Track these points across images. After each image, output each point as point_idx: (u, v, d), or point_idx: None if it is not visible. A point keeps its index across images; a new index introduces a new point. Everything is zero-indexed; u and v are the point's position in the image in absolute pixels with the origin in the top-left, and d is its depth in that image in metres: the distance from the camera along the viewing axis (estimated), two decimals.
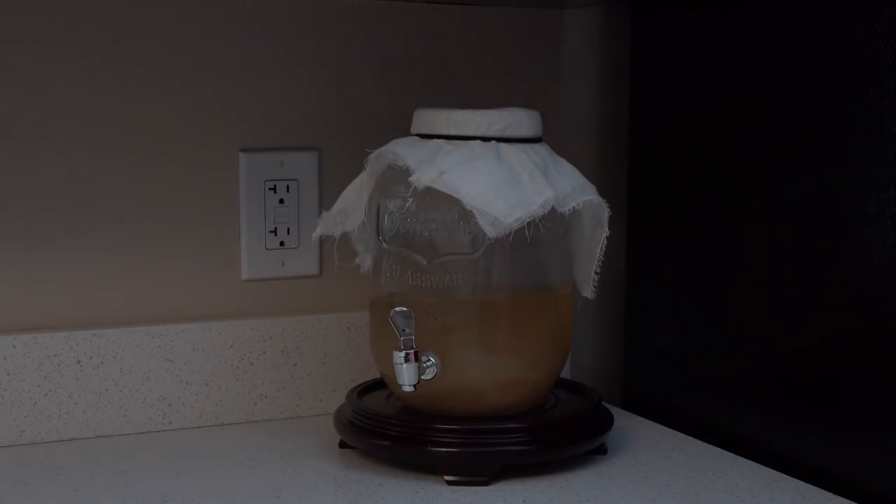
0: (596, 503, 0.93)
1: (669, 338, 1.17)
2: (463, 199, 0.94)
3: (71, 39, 1.08)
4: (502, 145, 0.99)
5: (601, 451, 1.03)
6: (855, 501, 0.93)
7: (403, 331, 0.96)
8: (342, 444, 1.05)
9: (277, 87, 1.17)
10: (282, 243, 1.18)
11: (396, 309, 0.97)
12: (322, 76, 1.19)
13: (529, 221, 0.94)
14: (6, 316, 1.08)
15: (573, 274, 1.05)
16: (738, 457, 1.04)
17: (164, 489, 0.95)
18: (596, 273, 1.03)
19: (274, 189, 1.17)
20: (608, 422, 1.04)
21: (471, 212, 0.94)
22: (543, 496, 0.94)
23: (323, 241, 1.12)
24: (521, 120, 1.00)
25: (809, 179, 0.99)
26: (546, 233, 0.98)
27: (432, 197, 0.98)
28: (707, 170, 1.11)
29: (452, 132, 1.00)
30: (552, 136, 1.09)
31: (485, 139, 0.99)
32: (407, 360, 0.96)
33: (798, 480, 0.98)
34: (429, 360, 0.98)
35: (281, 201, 1.17)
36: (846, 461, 0.97)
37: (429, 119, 1.01)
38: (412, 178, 0.96)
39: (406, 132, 1.04)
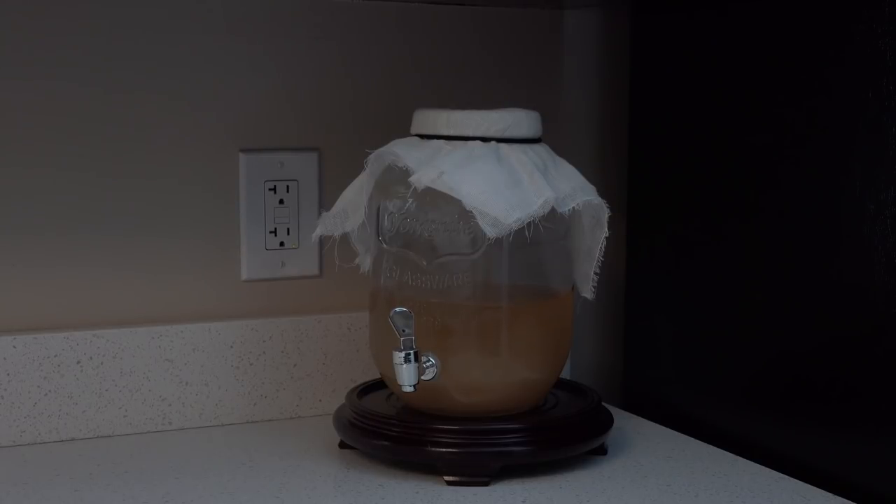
0: (596, 503, 0.93)
1: (669, 338, 1.17)
2: (463, 199, 0.94)
3: (72, 44, 1.08)
4: (502, 146, 0.99)
5: (601, 451, 1.03)
6: (855, 501, 0.93)
7: (403, 331, 0.96)
8: (342, 445, 1.04)
9: (277, 87, 1.17)
10: (282, 244, 1.18)
11: (396, 309, 0.97)
12: (322, 76, 1.19)
13: (529, 222, 0.94)
14: (6, 316, 1.08)
15: (573, 274, 1.05)
16: (738, 457, 1.04)
17: (164, 489, 0.95)
18: (596, 273, 1.03)
19: (274, 189, 1.17)
20: (608, 422, 1.04)
21: (471, 212, 0.94)
22: (543, 496, 0.94)
23: (323, 241, 1.12)
24: (520, 120, 1.00)
25: (809, 179, 0.99)
26: (546, 233, 0.98)
27: (432, 197, 0.98)
28: (707, 170, 1.11)
29: (452, 133, 1.00)
30: (552, 137, 1.09)
31: (485, 140, 0.99)
32: (407, 360, 0.96)
33: (798, 480, 0.98)
34: (429, 360, 0.98)
35: (281, 202, 1.17)
36: (846, 461, 0.97)
37: (429, 119, 1.01)
38: (412, 179, 0.96)
39: (406, 132, 1.04)
